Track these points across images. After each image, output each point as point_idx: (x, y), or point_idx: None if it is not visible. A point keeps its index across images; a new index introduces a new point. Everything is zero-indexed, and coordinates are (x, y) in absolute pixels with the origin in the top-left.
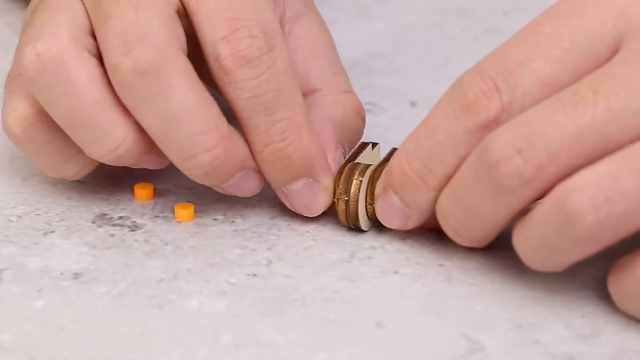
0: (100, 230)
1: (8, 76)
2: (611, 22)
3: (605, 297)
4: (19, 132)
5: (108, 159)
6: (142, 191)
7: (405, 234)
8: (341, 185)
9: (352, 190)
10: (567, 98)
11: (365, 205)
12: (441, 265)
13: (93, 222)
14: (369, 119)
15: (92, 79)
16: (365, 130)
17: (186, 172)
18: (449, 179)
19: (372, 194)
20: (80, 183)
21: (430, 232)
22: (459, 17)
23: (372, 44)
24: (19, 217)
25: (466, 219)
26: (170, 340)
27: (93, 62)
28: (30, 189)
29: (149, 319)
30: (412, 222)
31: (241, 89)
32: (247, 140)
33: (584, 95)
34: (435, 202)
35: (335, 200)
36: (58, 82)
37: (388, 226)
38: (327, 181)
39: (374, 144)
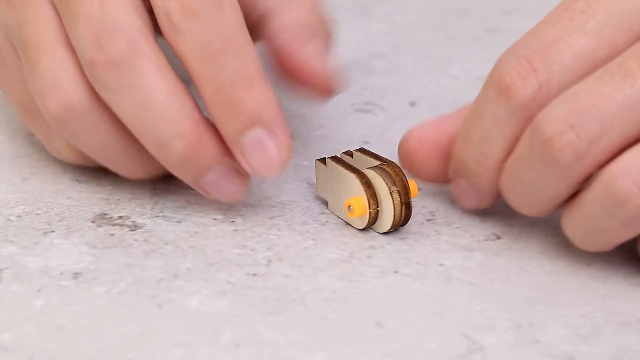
0: (100, 229)
1: None
2: None
3: (605, 297)
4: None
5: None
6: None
7: (406, 234)
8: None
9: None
10: (614, 70)
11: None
12: (441, 265)
13: (93, 222)
14: (369, 119)
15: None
16: (365, 131)
17: (164, 163)
18: (504, 160)
19: (374, 197)
20: (81, 183)
21: (430, 232)
22: (459, 17)
23: (372, 44)
24: (19, 216)
25: (526, 194)
26: (170, 340)
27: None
28: (30, 189)
29: (148, 318)
30: (487, 202)
31: (190, 41)
32: (201, 95)
33: (631, 66)
34: (498, 182)
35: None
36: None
37: (465, 207)
38: (283, 135)
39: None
